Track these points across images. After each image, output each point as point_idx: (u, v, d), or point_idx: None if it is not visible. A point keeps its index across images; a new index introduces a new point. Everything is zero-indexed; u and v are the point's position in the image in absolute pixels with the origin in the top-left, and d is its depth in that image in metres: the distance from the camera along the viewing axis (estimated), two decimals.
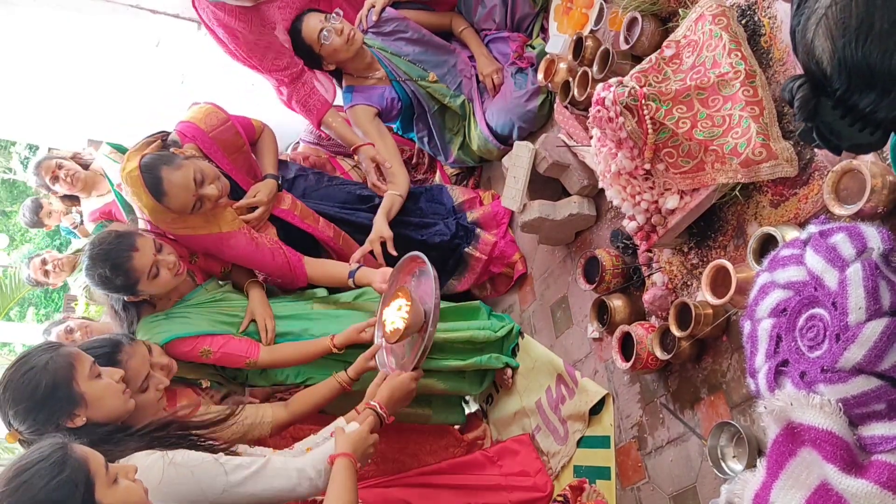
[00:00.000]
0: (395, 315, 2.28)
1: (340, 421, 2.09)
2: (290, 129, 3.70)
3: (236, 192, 2.64)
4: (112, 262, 2.23)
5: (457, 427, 2.93)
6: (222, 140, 2.60)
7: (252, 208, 2.62)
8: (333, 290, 2.75)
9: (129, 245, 2.25)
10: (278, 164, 2.82)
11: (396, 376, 2.17)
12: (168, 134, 2.55)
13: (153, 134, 2.51)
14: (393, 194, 2.89)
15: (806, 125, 1.02)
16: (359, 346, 2.44)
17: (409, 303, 2.25)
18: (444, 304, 2.77)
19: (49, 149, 6.35)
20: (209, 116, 2.60)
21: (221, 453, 1.79)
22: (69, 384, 1.74)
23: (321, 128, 3.17)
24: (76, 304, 4.80)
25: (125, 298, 2.36)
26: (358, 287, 2.61)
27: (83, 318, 3.77)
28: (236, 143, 2.64)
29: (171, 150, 2.43)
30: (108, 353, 1.97)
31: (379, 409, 2.07)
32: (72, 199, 4.07)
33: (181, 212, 2.38)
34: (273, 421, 2.25)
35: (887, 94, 0.90)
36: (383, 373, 2.24)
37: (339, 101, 3.21)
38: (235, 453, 1.84)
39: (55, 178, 3.85)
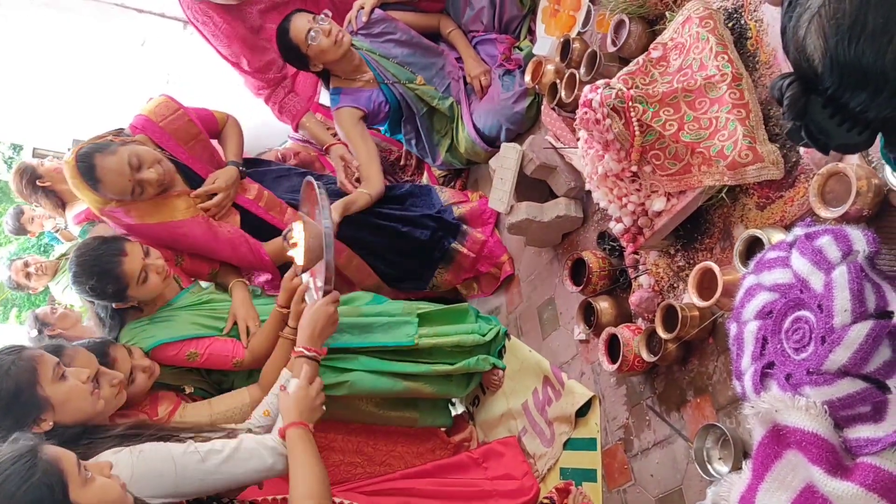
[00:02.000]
0: (300, 246, 2.26)
1: (285, 373, 2.05)
2: (277, 129, 3.69)
3: (196, 182, 2.61)
4: (101, 267, 2.20)
5: (443, 429, 2.92)
6: (174, 129, 2.56)
7: (211, 196, 2.59)
8: None
9: (117, 250, 2.23)
10: (242, 152, 2.78)
11: (311, 306, 2.11)
12: (122, 130, 2.54)
13: (108, 131, 2.51)
14: (362, 192, 2.86)
15: (794, 124, 1.02)
16: None
17: (305, 226, 2.22)
18: (432, 307, 2.76)
19: (34, 149, 6.30)
20: (159, 107, 2.58)
21: (191, 441, 1.76)
22: (32, 389, 1.71)
23: (297, 130, 3.17)
24: (59, 304, 4.74)
25: (113, 305, 2.33)
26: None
27: (66, 307, 3.73)
28: (190, 131, 2.60)
29: (110, 138, 2.43)
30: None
31: (306, 352, 2.01)
32: (55, 205, 4.02)
33: (120, 197, 2.37)
34: (252, 402, 2.23)
35: (878, 94, 0.90)
36: (307, 306, 2.18)
37: (325, 99, 3.21)
38: (206, 438, 1.81)
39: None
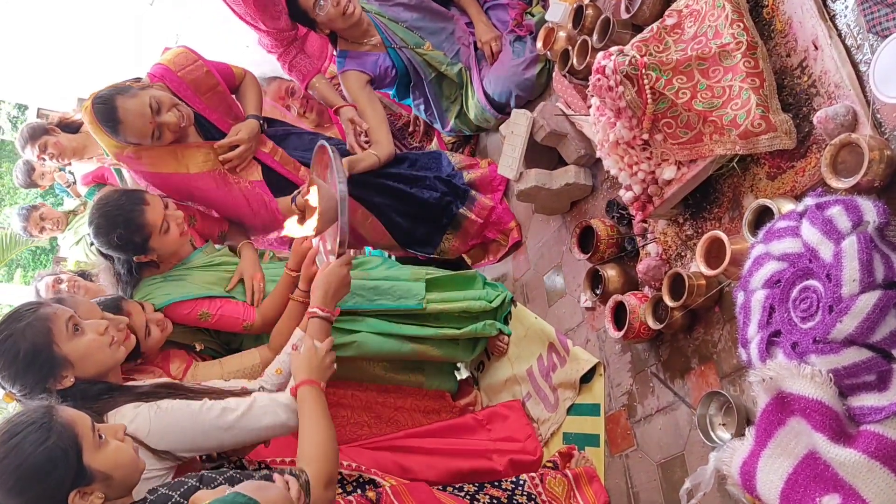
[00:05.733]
0: (312, 210, 2.25)
1: (297, 332, 2.08)
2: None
3: (213, 134, 2.61)
4: (125, 216, 2.22)
5: (449, 394, 2.95)
6: (192, 79, 2.55)
7: (234, 147, 2.58)
8: None
9: (139, 199, 2.26)
10: (261, 106, 2.77)
11: (325, 268, 2.13)
12: (139, 79, 2.54)
13: (125, 80, 2.51)
14: (370, 153, 2.85)
15: None
16: None
17: (318, 189, 2.22)
18: (440, 273, 2.78)
19: (38, 109, 6.28)
20: (178, 57, 2.57)
21: (206, 398, 1.79)
22: (49, 348, 1.73)
23: (307, 90, 3.15)
24: (65, 264, 4.77)
25: (134, 259, 2.33)
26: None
27: (73, 271, 3.75)
28: (208, 82, 2.59)
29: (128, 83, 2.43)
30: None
31: (320, 312, 2.04)
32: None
33: (141, 141, 2.38)
34: (262, 363, 2.26)
35: None
36: (320, 268, 2.19)
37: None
38: (219, 395, 1.84)
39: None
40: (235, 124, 2.64)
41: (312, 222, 2.24)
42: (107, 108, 2.32)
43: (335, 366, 1.96)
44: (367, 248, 3.43)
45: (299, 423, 1.75)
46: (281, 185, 2.69)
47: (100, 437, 1.44)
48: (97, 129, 2.37)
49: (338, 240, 2.16)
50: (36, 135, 3.62)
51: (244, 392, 1.88)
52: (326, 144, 2.35)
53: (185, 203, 2.61)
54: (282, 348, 2.13)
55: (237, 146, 2.58)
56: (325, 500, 1.61)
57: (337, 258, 2.16)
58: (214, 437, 1.74)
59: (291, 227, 2.27)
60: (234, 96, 2.73)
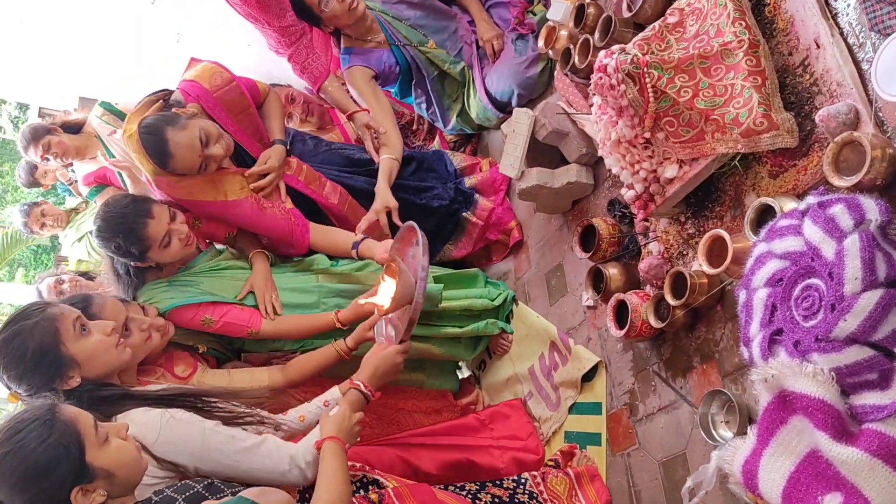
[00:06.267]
0: (386, 287, 2.25)
1: (335, 391, 2.06)
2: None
3: (241, 156, 2.59)
4: (126, 227, 2.21)
5: (450, 393, 2.95)
6: (227, 101, 2.51)
7: (263, 175, 2.56)
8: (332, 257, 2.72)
9: (144, 211, 2.23)
10: (285, 128, 2.75)
11: (382, 349, 2.14)
12: (171, 93, 2.49)
13: (155, 93, 2.46)
14: (389, 159, 2.85)
15: None
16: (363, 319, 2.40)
17: (399, 274, 2.21)
18: (441, 272, 2.79)
19: (40, 108, 6.28)
20: (214, 76, 2.51)
21: (218, 421, 1.76)
22: (56, 348, 1.73)
23: (319, 93, 3.14)
24: (66, 263, 4.78)
25: (131, 264, 2.34)
26: (361, 259, 2.56)
27: (75, 271, 3.75)
28: (241, 104, 2.56)
29: (174, 110, 2.37)
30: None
31: (363, 388, 2.04)
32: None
33: (187, 173, 2.35)
34: (270, 385, 2.25)
35: None
36: (378, 345, 2.20)
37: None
38: (235, 411, 1.83)
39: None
40: (263, 149, 2.61)
41: (385, 298, 2.22)
42: (157, 141, 2.27)
43: (359, 439, 1.95)
44: None
45: (318, 474, 1.72)
46: (304, 203, 2.68)
47: (103, 434, 1.44)
48: (143, 159, 2.31)
49: (404, 327, 2.14)
50: (38, 135, 3.62)
51: (258, 419, 1.85)
52: (415, 225, 2.27)
53: None
54: (297, 381, 2.15)
55: (267, 174, 2.56)
56: None
57: (398, 344, 2.16)
58: (215, 461, 1.68)
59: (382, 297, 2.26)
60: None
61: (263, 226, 2.56)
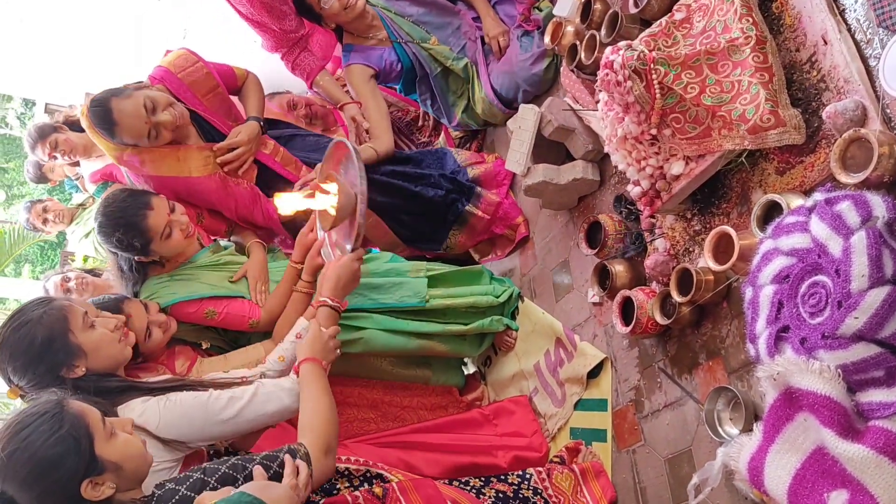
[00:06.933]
0: (326, 203, 2.25)
1: (301, 321, 2.10)
2: (289, 82, 3.66)
3: (213, 136, 2.62)
4: (126, 220, 2.24)
5: (455, 389, 2.96)
6: (192, 81, 2.57)
7: (233, 149, 2.59)
8: None
9: (143, 203, 2.26)
10: (263, 108, 2.78)
11: (337, 261, 2.15)
12: (141, 83, 2.55)
13: (126, 84, 2.52)
14: (368, 146, 2.85)
15: None
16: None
17: (338, 185, 2.21)
18: (445, 268, 2.78)
19: (46, 104, 6.30)
20: (179, 59, 2.59)
21: (212, 389, 1.83)
22: (65, 336, 1.76)
23: (312, 88, 3.16)
24: (73, 259, 4.79)
25: (135, 259, 2.35)
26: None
27: (81, 269, 3.76)
28: (208, 83, 2.61)
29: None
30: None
31: (330, 302, 2.06)
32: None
33: (137, 141, 2.40)
34: (266, 356, 2.27)
35: None
36: (328, 263, 2.22)
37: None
38: (223, 386, 1.87)
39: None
40: (235, 126, 2.65)
41: (327, 216, 2.24)
42: (102, 111, 2.35)
43: (339, 351, 1.98)
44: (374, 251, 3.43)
45: (300, 398, 1.77)
46: (280, 186, 2.68)
47: (110, 428, 1.46)
48: (95, 133, 2.40)
49: (353, 234, 2.17)
50: (45, 133, 3.63)
51: (244, 381, 1.90)
52: (345, 140, 2.34)
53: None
54: (285, 338, 2.15)
55: (235, 148, 2.58)
56: (326, 467, 1.63)
57: (351, 252, 2.17)
58: (223, 425, 1.76)
59: (285, 204, 2.26)
60: (236, 97, 2.74)
61: (232, 206, 2.60)
